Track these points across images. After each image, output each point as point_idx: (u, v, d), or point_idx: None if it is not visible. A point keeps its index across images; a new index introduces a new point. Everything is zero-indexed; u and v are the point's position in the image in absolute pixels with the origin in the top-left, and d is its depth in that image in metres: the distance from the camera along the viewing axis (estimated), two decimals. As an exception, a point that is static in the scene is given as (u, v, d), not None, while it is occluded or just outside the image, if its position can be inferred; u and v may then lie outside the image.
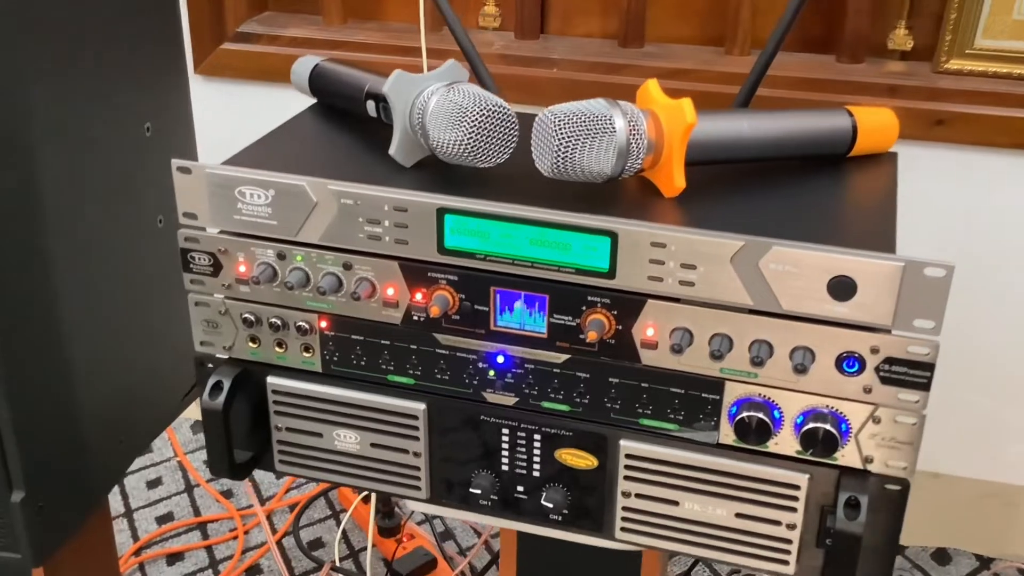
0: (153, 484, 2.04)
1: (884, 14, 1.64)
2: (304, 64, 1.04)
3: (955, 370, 1.72)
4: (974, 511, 1.83)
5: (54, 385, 1.14)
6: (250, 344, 0.94)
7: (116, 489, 2.02)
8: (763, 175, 0.92)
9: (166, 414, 1.38)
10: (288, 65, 1.10)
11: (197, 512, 1.97)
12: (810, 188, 0.91)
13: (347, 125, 1.01)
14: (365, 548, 1.90)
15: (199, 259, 0.92)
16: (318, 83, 1.03)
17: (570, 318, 0.86)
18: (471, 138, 0.85)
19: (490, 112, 0.85)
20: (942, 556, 1.86)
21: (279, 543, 1.90)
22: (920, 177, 1.65)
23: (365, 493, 1.86)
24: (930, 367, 0.79)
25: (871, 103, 1.61)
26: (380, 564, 1.83)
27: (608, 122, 0.82)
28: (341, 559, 1.86)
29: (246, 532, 1.91)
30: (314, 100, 1.08)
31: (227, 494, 1.99)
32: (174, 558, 1.87)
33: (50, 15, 1.03)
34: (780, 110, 0.92)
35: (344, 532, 1.93)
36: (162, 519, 1.96)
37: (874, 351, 0.80)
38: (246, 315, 0.93)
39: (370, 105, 0.92)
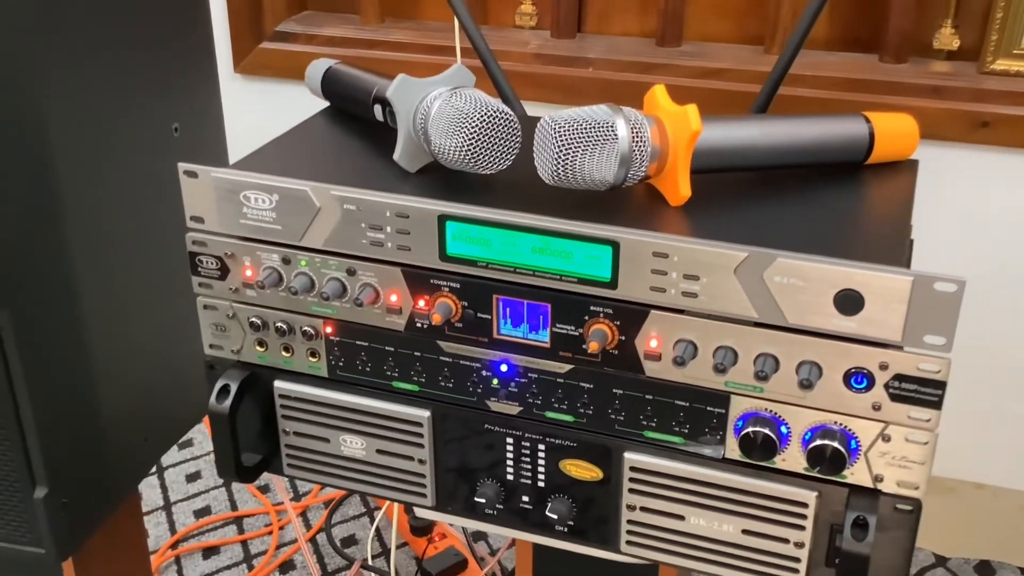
0: (192, 478, 2.05)
1: (930, 13, 1.60)
2: (317, 67, 1.04)
3: (1001, 379, 1.67)
4: (1019, 523, 1.78)
5: (76, 383, 1.15)
6: (258, 348, 0.94)
7: (156, 482, 2.05)
8: (774, 184, 0.89)
9: (193, 413, 1.39)
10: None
11: (234, 507, 1.99)
12: (822, 197, 0.88)
13: (356, 129, 1.00)
14: (399, 546, 1.90)
15: (206, 263, 0.92)
16: (329, 86, 1.02)
17: (572, 328, 0.84)
18: (471, 144, 0.84)
19: (491, 117, 0.83)
20: (986, 569, 1.82)
21: (313, 539, 1.91)
22: (964, 180, 1.61)
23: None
24: (941, 385, 0.77)
25: (913, 104, 1.58)
26: (412, 563, 1.83)
27: (610, 129, 0.80)
28: (373, 557, 1.87)
29: (281, 528, 1.92)
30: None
31: (264, 489, 2.00)
32: (210, 552, 1.89)
33: (68, 12, 1.03)
34: (794, 116, 0.89)
35: (378, 530, 1.93)
36: (200, 513, 1.97)
37: (883, 367, 0.77)
38: (253, 319, 0.93)
39: (377, 109, 0.91)
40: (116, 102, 1.16)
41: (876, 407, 0.79)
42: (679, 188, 0.83)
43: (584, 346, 0.84)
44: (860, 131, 0.89)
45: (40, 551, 1.18)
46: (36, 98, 1.02)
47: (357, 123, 1.00)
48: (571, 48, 1.74)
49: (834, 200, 0.88)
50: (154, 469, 2.07)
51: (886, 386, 0.78)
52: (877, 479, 0.81)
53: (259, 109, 1.84)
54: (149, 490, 2.03)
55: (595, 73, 1.73)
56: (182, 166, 0.88)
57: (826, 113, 0.89)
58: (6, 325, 1.05)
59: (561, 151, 0.80)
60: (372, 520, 1.94)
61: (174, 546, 1.90)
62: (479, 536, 1.90)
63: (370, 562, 1.84)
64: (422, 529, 1.84)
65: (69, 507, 1.17)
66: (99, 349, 1.17)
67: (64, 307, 1.11)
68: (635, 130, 0.81)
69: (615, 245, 0.80)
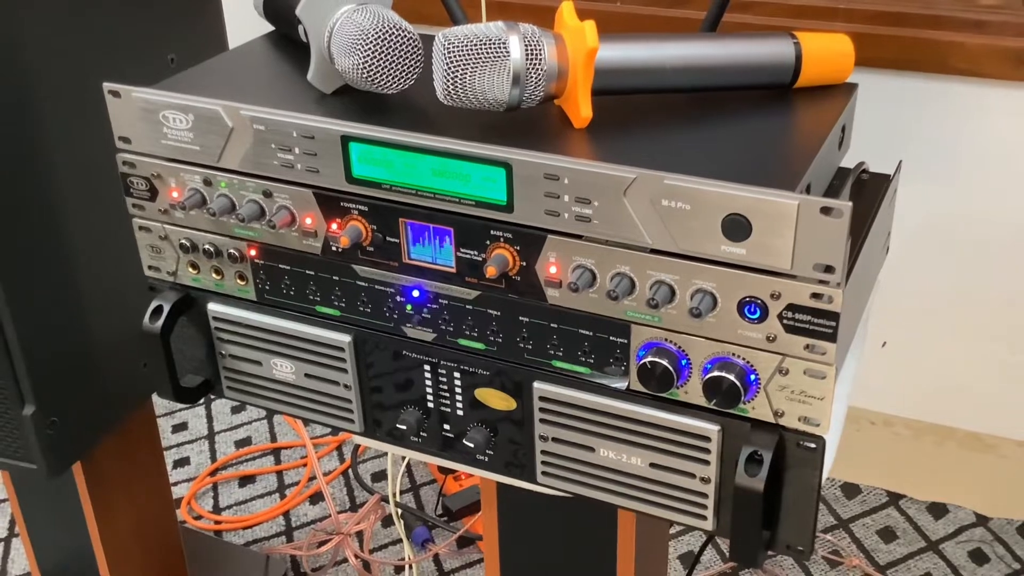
0: (237, 410, 2.11)
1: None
2: (262, -10, 1.03)
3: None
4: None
5: (63, 306, 1.18)
6: (191, 270, 0.95)
7: (202, 412, 2.11)
8: (691, 107, 0.85)
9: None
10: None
11: (273, 438, 2.04)
12: (735, 121, 0.84)
13: (289, 52, 1.00)
14: (427, 483, 1.92)
15: (137, 184, 0.93)
16: (269, 9, 1.01)
17: (476, 252, 0.83)
18: (369, 62, 0.82)
19: (387, 34, 0.81)
20: (1028, 530, 1.74)
21: (345, 473, 1.94)
22: (1004, 119, 1.52)
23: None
24: (835, 316, 0.73)
25: (953, 39, 1.50)
26: (436, 499, 1.85)
27: (501, 46, 0.77)
28: (402, 492, 1.89)
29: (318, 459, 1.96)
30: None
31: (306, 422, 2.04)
32: (246, 480, 1.94)
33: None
34: (717, 35, 0.85)
35: (409, 466, 1.95)
36: (241, 443, 2.03)
37: (775, 296, 0.74)
38: (183, 241, 0.94)
39: (301, 29, 0.90)
40: (107, 31, 1.18)
41: (771, 339, 0.75)
42: (580, 109, 0.80)
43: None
44: (786, 52, 0.84)
45: (32, 466, 1.23)
46: (18, 23, 1.04)
47: (293, 46, 1.00)
48: (599, -18, 1.70)
49: (748, 124, 0.83)
50: (202, 400, 2.14)
51: (779, 316, 0.74)
52: (778, 414, 0.78)
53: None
54: (195, 419, 2.09)
55: (623, 7, 1.69)
56: (107, 86, 0.89)
57: (752, 32, 0.84)
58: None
59: (450, 68, 0.78)
60: (404, 455, 1.96)
61: (213, 473, 1.95)
62: (505, 476, 1.90)
63: (398, 498, 1.86)
64: (449, 467, 1.85)
65: (59, 426, 1.21)
66: (87, 275, 1.20)
67: (49, 233, 1.14)
68: (530, 48, 0.78)
69: (508, 167, 0.78)
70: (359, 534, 1.79)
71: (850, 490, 1.85)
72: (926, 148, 1.59)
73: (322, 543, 1.77)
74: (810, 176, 0.76)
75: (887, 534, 1.76)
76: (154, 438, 1.51)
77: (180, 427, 2.07)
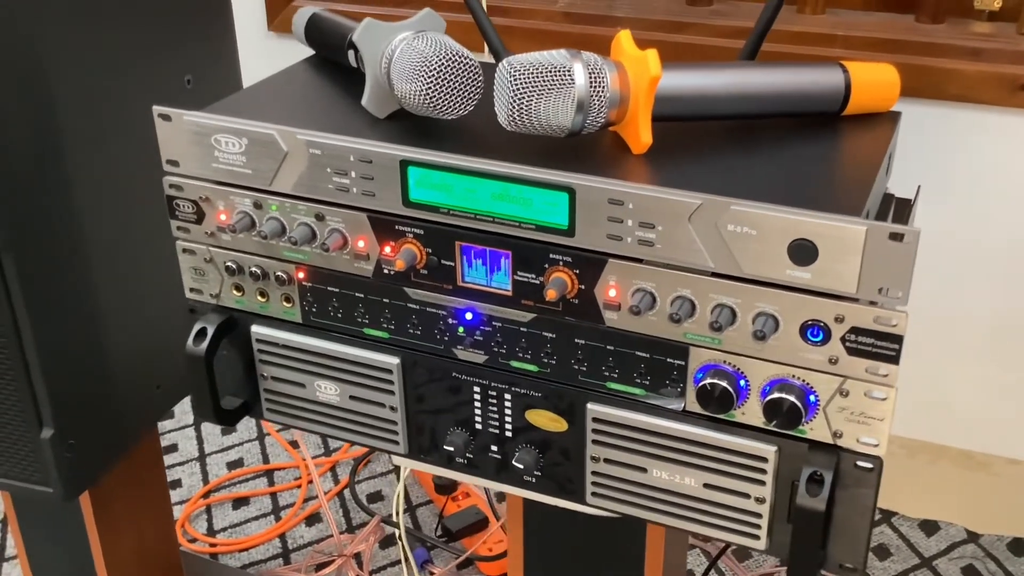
0: (227, 431, 2.09)
1: (971, -29, 1.55)
2: (302, 15, 1.04)
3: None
4: (1053, 500, 1.74)
5: (83, 328, 1.17)
6: (235, 292, 0.95)
7: (192, 434, 2.09)
8: (744, 133, 0.87)
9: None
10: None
11: (266, 460, 2.02)
12: (791, 148, 0.86)
13: (335, 76, 1.01)
14: (423, 504, 1.92)
15: (183, 206, 0.93)
16: (312, 34, 1.02)
17: (533, 276, 0.84)
18: (431, 88, 0.83)
19: (451, 61, 0.83)
20: (1019, 546, 1.77)
21: (341, 494, 1.93)
22: (1000, 145, 1.56)
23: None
24: (898, 339, 0.75)
25: (950, 67, 1.53)
26: (434, 520, 1.85)
27: (566, 73, 0.79)
28: (398, 513, 1.88)
29: (310, 482, 1.95)
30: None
31: (296, 444, 2.03)
32: (240, 502, 1.93)
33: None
34: (770, 64, 0.87)
35: (405, 487, 1.94)
36: (233, 464, 2.01)
37: (839, 320, 0.76)
38: (228, 263, 0.94)
39: (351, 55, 0.91)
40: (126, 53, 1.17)
41: (833, 361, 0.77)
42: (640, 135, 0.81)
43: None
44: (836, 80, 0.86)
45: (48, 490, 1.21)
46: (44, 47, 1.03)
47: (338, 70, 1.01)
48: (600, 7, 1.72)
49: (803, 150, 0.85)
50: (191, 421, 2.12)
51: (842, 339, 0.76)
52: (836, 435, 0.80)
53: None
54: (185, 441, 2.07)
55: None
56: (156, 109, 0.89)
57: (802, 62, 0.86)
58: (10, 268, 1.08)
59: (516, 95, 0.79)
60: (399, 477, 1.95)
61: (206, 496, 1.94)
62: (502, 497, 1.90)
63: (395, 518, 1.85)
64: (445, 487, 1.86)
65: (77, 449, 1.20)
66: (107, 297, 1.19)
67: (70, 254, 1.13)
68: (593, 75, 0.79)
69: (571, 192, 0.79)
70: (358, 555, 1.78)
71: (843, 508, 1.87)
72: (922, 171, 1.62)
73: (321, 565, 1.76)
74: (870, 202, 0.78)
75: (881, 551, 1.79)
76: (158, 461, 1.50)
77: (170, 448, 2.05)
